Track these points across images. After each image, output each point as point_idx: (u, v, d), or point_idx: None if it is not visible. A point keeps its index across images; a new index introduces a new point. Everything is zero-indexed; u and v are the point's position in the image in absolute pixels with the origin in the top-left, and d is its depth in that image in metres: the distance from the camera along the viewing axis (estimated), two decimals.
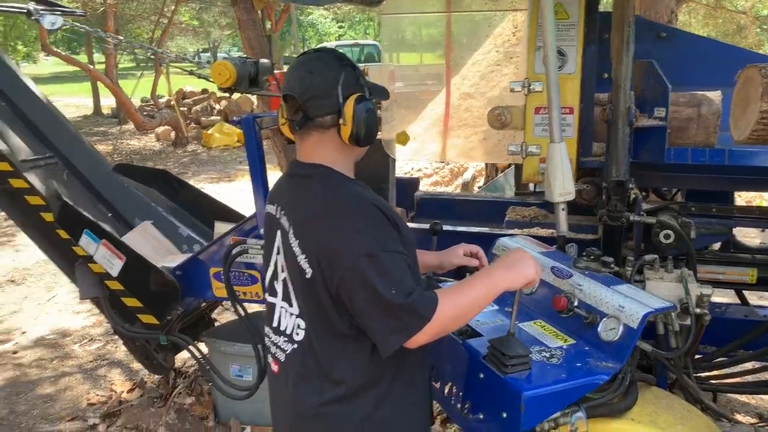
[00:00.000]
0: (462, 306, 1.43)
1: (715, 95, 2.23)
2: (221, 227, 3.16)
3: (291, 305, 1.52)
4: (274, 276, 1.58)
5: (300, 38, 35.22)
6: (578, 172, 2.35)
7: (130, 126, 13.17)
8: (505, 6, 2.30)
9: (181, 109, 13.57)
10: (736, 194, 6.05)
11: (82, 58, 19.22)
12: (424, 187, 7.60)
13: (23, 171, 2.85)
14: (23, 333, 4.39)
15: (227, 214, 3.42)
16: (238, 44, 31.39)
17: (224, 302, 3.56)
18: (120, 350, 4.01)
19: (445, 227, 2.20)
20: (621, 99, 2.11)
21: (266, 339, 1.64)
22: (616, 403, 1.68)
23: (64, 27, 3.17)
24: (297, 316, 1.51)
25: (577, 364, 1.60)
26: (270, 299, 1.61)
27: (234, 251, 2.59)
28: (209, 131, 12.54)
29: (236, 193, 8.35)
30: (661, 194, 2.87)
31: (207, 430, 3.06)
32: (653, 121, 2.19)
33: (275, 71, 3.06)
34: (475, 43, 2.57)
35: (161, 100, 15.02)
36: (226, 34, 21.12)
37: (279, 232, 1.54)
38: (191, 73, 3.15)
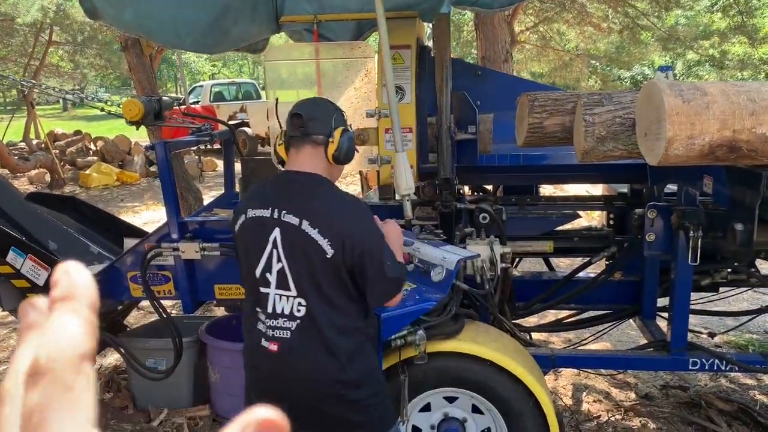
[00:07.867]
0: None
1: (489, 117, 3.08)
2: (130, 242, 3.65)
3: (288, 289, 1.87)
4: (266, 269, 1.89)
5: (172, 77, 34.86)
6: (420, 174, 3.07)
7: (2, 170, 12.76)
8: (359, 55, 3.08)
9: (54, 151, 13.38)
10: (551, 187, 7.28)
11: None
12: None
13: None
14: None
15: (133, 231, 3.90)
16: (105, 85, 30.72)
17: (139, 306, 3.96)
18: None
19: None
20: (444, 120, 2.88)
21: (259, 324, 1.92)
22: (447, 328, 2.44)
23: None
24: (295, 297, 1.86)
25: (416, 297, 2.34)
26: (263, 290, 1.90)
27: (149, 255, 3.14)
28: (87, 171, 12.49)
29: None
30: (485, 191, 3.72)
31: (128, 417, 3.50)
32: (468, 135, 3.02)
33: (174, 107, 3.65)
34: (339, 82, 3.31)
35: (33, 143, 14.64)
36: (93, 75, 20.99)
37: (278, 230, 1.87)
38: (102, 110, 3.65)
